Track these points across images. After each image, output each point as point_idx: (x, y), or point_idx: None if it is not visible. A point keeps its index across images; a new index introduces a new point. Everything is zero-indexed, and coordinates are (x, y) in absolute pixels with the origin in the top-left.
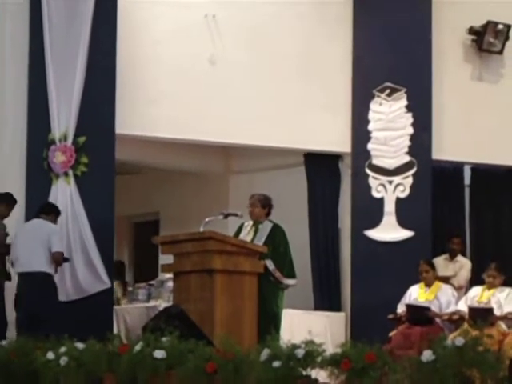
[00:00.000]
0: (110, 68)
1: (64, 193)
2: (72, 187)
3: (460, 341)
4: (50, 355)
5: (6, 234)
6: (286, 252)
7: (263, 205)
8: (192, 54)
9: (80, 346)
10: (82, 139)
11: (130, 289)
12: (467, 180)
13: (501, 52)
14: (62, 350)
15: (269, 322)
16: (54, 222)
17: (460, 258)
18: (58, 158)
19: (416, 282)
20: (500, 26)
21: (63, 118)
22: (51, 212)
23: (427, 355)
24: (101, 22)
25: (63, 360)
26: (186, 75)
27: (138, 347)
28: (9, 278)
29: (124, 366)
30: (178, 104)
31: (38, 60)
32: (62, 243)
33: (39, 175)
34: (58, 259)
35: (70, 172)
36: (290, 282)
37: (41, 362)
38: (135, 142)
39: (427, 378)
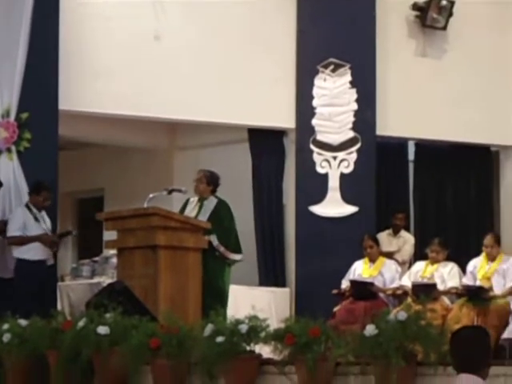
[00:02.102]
0: (53, 43)
1: (7, 169)
2: (15, 163)
3: (402, 315)
4: None
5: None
6: (230, 227)
7: (208, 182)
8: (137, 28)
9: (23, 322)
10: (24, 115)
11: (73, 265)
12: (411, 156)
13: (444, 28)
14: (5, 326)
15: (214, 298)
16: None
17: (403, 233)
18: (0, 134)
19: (360, 257)
20: (443, 2)
21: (6, 94)
22: None
23: (370, 329)
24: None
25: (6, 337)
26: (131, 50)
27: (81, 323)
28: None
29: (67, 342)
30: (122, 79)
31: None
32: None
33: None
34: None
35: (13, 148)
36: (236, 256)
37: None
38: (79, 117)
39: (370, 352)
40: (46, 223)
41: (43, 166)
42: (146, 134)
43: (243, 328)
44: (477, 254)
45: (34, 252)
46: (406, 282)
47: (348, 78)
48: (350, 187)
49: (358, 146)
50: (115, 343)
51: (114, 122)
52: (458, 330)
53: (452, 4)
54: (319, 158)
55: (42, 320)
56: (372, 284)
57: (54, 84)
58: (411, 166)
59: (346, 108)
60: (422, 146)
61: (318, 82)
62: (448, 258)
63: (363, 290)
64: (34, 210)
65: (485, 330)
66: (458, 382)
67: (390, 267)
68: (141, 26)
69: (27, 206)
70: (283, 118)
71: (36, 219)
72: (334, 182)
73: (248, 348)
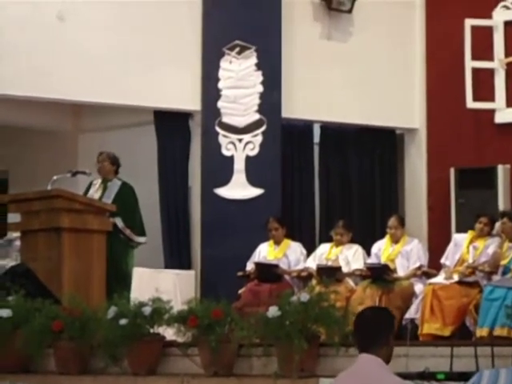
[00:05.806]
0: None
1: None
2: None
3: (305, 297)
4: None
5: None
6: (135, 210)
7: (112, 162)
8: (40, 8)
9: None
10: None
11: None
12: (316, 138)
13: (350, 11)
14: None
15: (118, 281)
16: None
17: None
18: None
19: (265, 239)
20: None
21: None
22: None
23: (273, 311)
24: None
25: None
26: (34, 30)
27: None
28: None
29: None
30: (26, 60)
31: None
32: None
33: None
34: None
35: None
36: (141, 239)
37: None
38: None
39: (273, 334)
40: None
41: None
42: (51, 115)
43: (146, 310)
44: (382, 236)
45: None
46: (311, 264)
47: (254, 60)
48: (255, 170)
49: (263, 128)
50: (17, 326)
51: (18, 104)
52: (363, 310)
53: None
54: (225, 140)
55: None
56: (277, 266)
57: None
58: (316, 149)
59: (252, 90)
60: (328, 128)
61: (224, 64)
62: (353, 241)
63: (268, 272)
64: None
65: (389, 310)
66: (359, 362)
67: (294, 249)
68: (44, 6)
69: None
70: (189, 100)
71: None
72: (239, 165)
73: (151, 330)
